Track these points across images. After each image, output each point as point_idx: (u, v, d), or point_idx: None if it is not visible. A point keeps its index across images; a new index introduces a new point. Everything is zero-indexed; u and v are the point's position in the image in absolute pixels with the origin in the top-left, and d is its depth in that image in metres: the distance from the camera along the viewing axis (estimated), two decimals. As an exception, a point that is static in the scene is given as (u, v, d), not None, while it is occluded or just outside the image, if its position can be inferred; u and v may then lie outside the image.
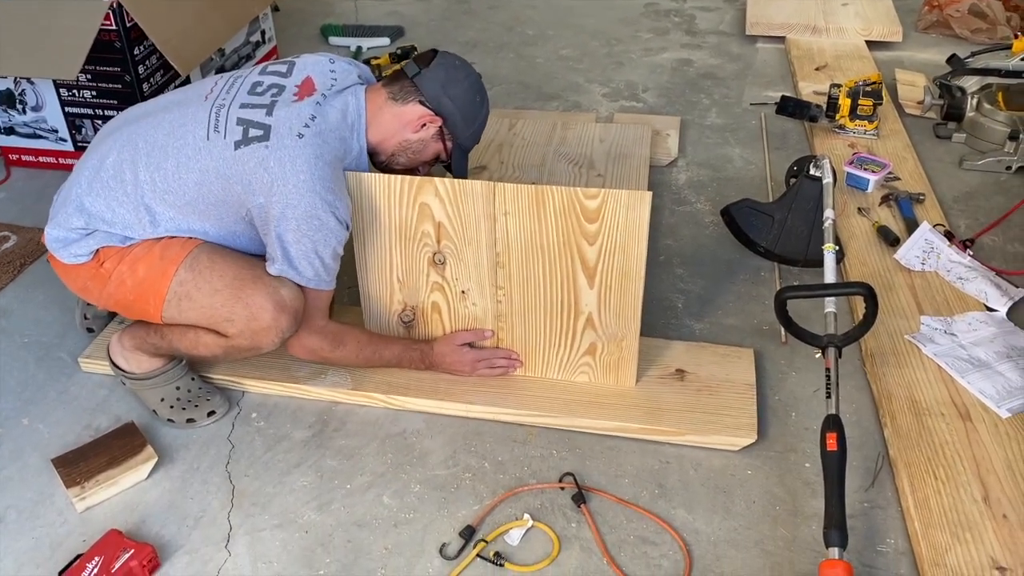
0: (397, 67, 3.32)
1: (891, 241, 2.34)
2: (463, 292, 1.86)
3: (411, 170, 1.89)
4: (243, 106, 1.70)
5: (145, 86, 2.72)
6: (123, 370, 1.88)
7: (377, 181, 1.74)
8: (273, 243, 1.67)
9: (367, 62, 3.45)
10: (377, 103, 1.80)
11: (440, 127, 1.82)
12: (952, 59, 2.96)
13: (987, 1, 3.69)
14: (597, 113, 3.16)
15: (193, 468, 1.80)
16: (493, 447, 1.82)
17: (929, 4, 3.77)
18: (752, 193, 2.68)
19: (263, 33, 3.42)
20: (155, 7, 2.60)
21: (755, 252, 2.36)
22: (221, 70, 3.11)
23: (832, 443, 1.51)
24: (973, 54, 2.96)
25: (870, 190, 2.59)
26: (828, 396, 1.62)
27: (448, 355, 1.89)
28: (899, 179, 2.65)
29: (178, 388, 1.89)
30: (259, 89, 1.75)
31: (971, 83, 2.87)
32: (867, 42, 3.59)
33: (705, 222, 2.56)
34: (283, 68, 1.81)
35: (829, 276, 1.78)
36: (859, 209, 2.50)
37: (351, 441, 1.85)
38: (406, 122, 1.80)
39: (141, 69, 2.68)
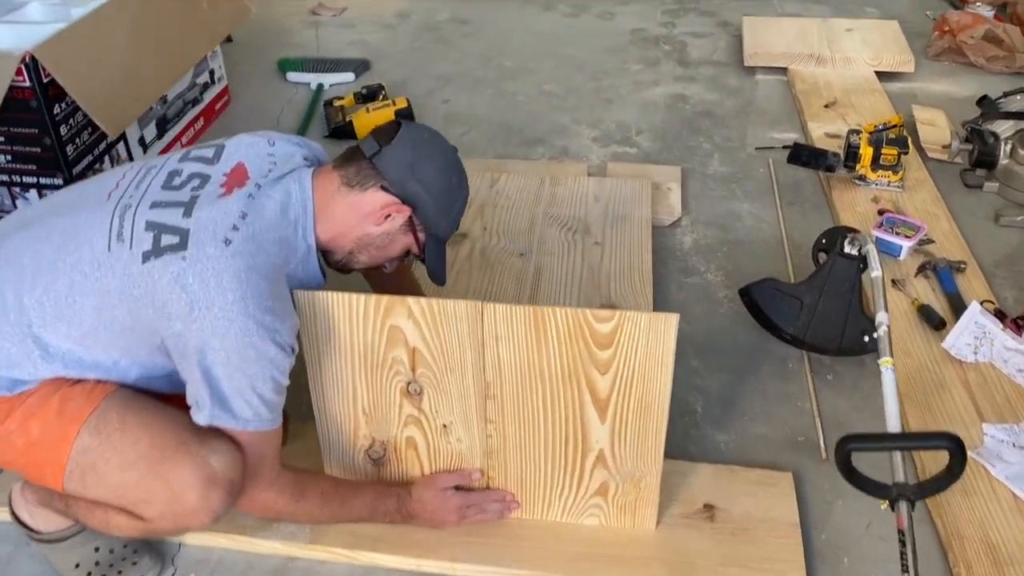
0: (364, 113, 3.00)
1: (936, 325, 2.03)
2: (444, 426, 1.52)
3: (376, 266, 1.54)
4: (155, 205, 1.35)
5: (69, 148, 2.34)
6: (28, 527, 1.51)
7: (335, 301, 1.40)
8: (198, 382, 1.31)
9: (329, 103, 3.09)
10: (328, 190, 1.43)
11: (409, 217, 1.46)
12: (983, 101, 2.67)
13: (1003, 26, 3.41)
14: (588, 163, 2.83)
15: (113, 657, 1.44)
16: (486, 617, 1.49)
17: (940, 29, 3.49)
18: (768, 259, 2.37)
19: (212, 73, 3.06)
20: (77, 59, 2.23)
21: (780, 338, 2.05)
22: (162, 121, 2.74)
23: (920, 643, 1.19)
24: (1006, 94, 2.67)
25: (903, 257, 2.28)
26: (904, 570, 1.30)
27: (430, 502, 1.54)
28: (933, 241, 2.34)
29: (97, 550, 1.53)
30: (176, 181, 1.39)
31: (1005, 128, 2.58)
32: (876, 72, 3.29)
33: (718, 297, 2.24)
34: (209, 153, 1.46)
35: (890, 404, 1.47)
36: (894, 281, 2.20)
37: (311, 613, 1.50)
38: (366, 213, 1.43)
39: (64, 130, 2.30)
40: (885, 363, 1.53)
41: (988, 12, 3.56)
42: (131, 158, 2.58)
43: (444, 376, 1.45)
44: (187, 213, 1.33)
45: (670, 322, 1.34)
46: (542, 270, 2.22)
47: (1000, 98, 2.66)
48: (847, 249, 1.93)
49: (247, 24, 3.83)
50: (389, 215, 1.44)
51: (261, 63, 3.56)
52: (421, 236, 1.49)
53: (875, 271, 1.68)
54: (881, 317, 1.60)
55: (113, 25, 2.39)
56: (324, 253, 1.49)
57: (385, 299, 1.39)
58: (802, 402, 1.92)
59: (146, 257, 1.30)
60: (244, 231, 1.32)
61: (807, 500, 1.68)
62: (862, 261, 1.94)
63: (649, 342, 1.36)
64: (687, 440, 1.82)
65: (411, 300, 1.39)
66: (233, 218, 1.32)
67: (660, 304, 2.19)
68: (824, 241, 2.07)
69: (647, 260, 2.24)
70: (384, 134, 1.45)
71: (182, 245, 1.29)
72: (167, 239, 1.31)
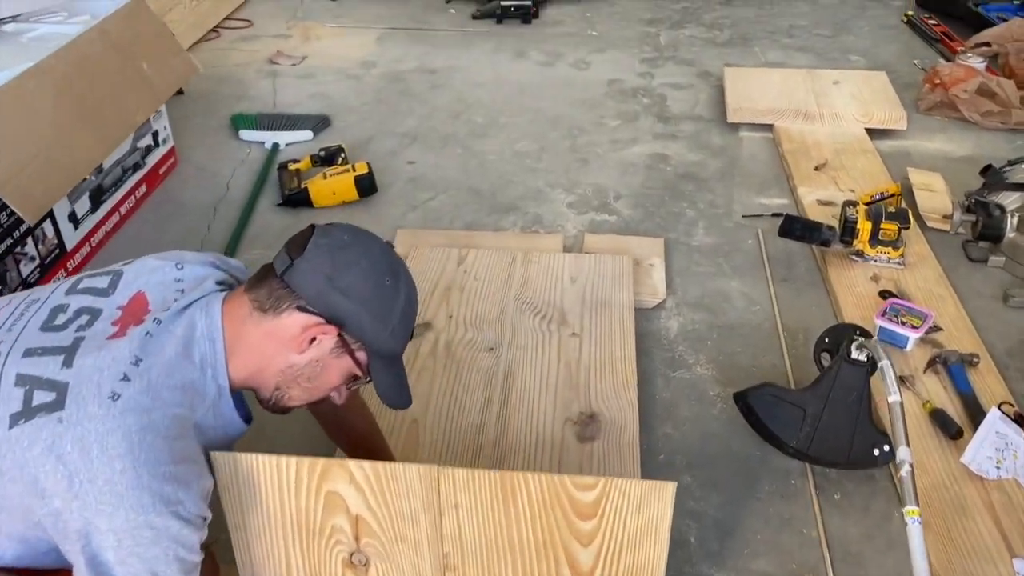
0: (320, 179, 2.76)
1: (952, 434, 1.83)
2: (398, 597, 1.28)
3: (319, 401, 1.31)
4: (28, 353, 1.11)
5: (-18, 233, 2.09)
6: None
7: (260, 466, 1.16)
8: (83, 570, 1.06)
9: (283, 167, 2.86)
10: (239, 318, 1.20)
11: (339, 336, 1.21)
12: (987, 171, 2.49)
13: (997, 79, 3.26)
14: (564, 233, 2.62)
15: None
16: None
17: (931, 82, 3.33)
18: (762, 348, 2.16)
19: (155, 135, 2.82)
20: (-12, 135, 1.99)
21: (780, 450, 1.83)
22: (97, 192, 2.49)
23: None
24: (1011, 163, 2.49)
25: (909, 348, 2.08)
26: None
27: None
28: (940, 329, 2.15)
29: None
30: (59, 320, 1.16)
31: (1012, 200, 2.40)
32: (867, 129, 3.12)
33: (710, 396, 2.03)
34: (103, 283, 1.23)
35: (919, 564, 1.25)
36: (901, 378, 1.99)
37: None
38: (285, 340, 1.20)
39: (-25, 213, 2.06)
40: (911, 513, 1.31)
41: (980, 64, 3.41)
42: (59, 238, 2.33)
43: (394, 547, 1.22)
44: (67, 362, 1.09)
45: (665, 492, 1.12)
46: (514, 369, 1.99)
47: (1005, 167, 2.48)
48: (854, 355, 1.73)
49: (200, 74, 3.61)
50: (313, 338, 1.20)
51: (214, 118, 3.33)
52: (361, 356, 1.24)
53: (892, 395, 1.47)
54: (904, 454, 1.38)
55: (34, 95, 2.15)
56: (251, 392, 1.25)
57: (321, 463, 1.16)
58: (807, 528, 1.70)
59: (14, 421, 1.06)
60: (137, 382, 1.08)
61: (820, 658, 1.46)
62: (871, 367, 1.74)
63: (641, 513, 1.13)
64: (680, 580, 1.60)
65: (352, 464, 1.15)
66: (123, 366, 1.09)
67: (647, 405, 1.97)
68: (828, 341, 1.87)
69: (630, 354, 2.02)
70: (295, 245, 1.23)
71: (58, 404, 1.06)
72: (40, 397, 1.07)
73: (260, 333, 1.19)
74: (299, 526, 1.22)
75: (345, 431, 1.62)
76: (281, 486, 1.18)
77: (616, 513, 1.14)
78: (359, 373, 1.27)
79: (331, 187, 2.72)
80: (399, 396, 1.31)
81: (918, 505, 1.32)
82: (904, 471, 1.36)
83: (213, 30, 4.15)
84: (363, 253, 1.22)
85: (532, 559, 1.20)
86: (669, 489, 1.11)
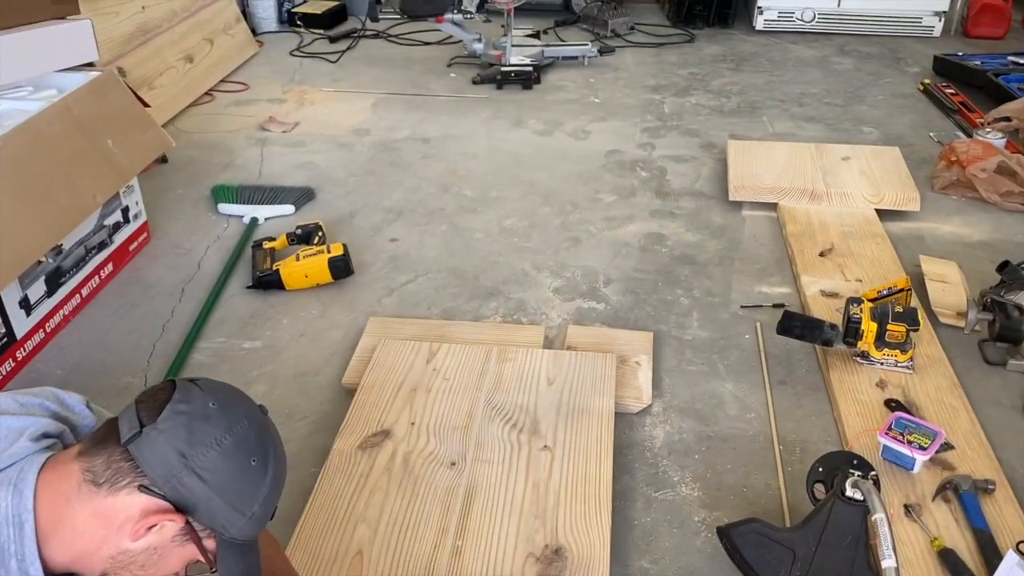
0: (292, 261, 2.60)
1: (964, 581, 1.62)
2: None
3: None
4: None
5: (-84, 326, 1.96)
6: None
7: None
8: None
9: (258, 245, 2.73)
10: (63, 492, 1.01)
11: (186, 523, 1.04)
12: (1005, 267, 2.30)
13: (1017, 156, 3.08)
14: (547, 324, 2.44)
15: None
16: None
17: (947, 160, 3.15)
18: (754, 464, 1.97)
19: (125, 211, 2.70)
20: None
21: (768, 594, 1.63)
22: (55, 275, 2.36)
23: None
24: (1030, 260, 2.30)
25: (917, 470, 1.87)
26: None
27: None
28: (952, 447, 1.94)
29: None
30: None
31: (1032, 300, 2.21)
32: (877, 210, 2.94)
33: (694, 522, 1.83)
34: None
35: None
36: (907, 508, 1.78)
37: None
38: (118, 524, 1.02)
39: (-92, 305, 1.93)
40: None
41: (999, 140, 3.23)
42: (8, 327, 2.20)
43: None
44: None
45: None
46: (476, 489, 1.81)
47: (1023, 263, 2.29)
48: (849, 492, 1.53)
49: (187, 141, 3.53)
50: (152, 526, 1.02)
51: (196, 188, 3.21)
52: (209, 544, 1.07)
53: (887, 559, 1.27)
54: (888, 563, 1.18)
55: (-22, 180, 2.04)
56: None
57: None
58: None
59: None
60: None
61: None
62: (868, 504, 1.54)
63: None
64: None
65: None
66: None
67: (622, 532, 1.78)
68: (821, 470, 1.68)
69: (606, 476, 1.84)
70: (148, 407, 1.04)
71: None
72: None
73: (88, 512, 1.02)
74: None
75: None
76: None
77: None
78: (204, 560, 1.09)
79: (304, 269, 2.57)
80: None
81: None
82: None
83: (207, 93, 4.08)
84: (229, 427, 1.04)
85: None
86: None
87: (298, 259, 2.60)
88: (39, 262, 2.28)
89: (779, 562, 1.59)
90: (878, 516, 1.34)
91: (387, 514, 1.75)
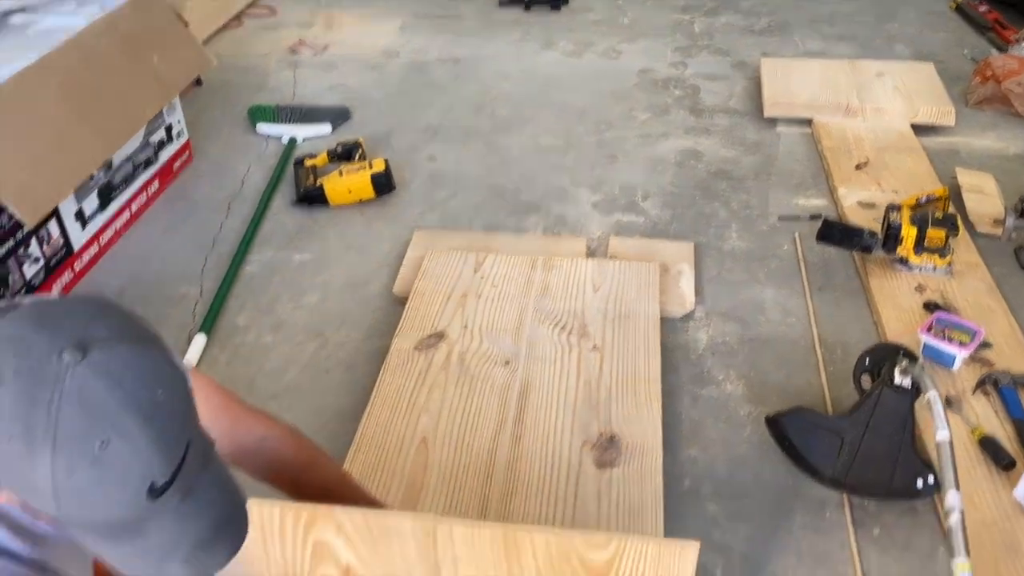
0: (336, 176, 2.65)
1: (1004, 464, 1.69)
2: (394, 649, 1.19)
3: None
4: None
5: (-17, 235, 2.02)
6: None
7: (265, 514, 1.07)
8: None
9: (299, 163, 2.77)
10: None
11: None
12: (1045, 174, 2.32)
13: (1053, 72, 3.06)
14: (588, 236, 2.49)
15: None
16: None
17: (982, 75, 3.14)
18: (796, 364, 2.03)
19: (169, 129, 2.74)
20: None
21: (814, 478, 1.70)
22: (107, 189, 2.42)
23: None
24: (1070, 165, 2.32)
25: (956, 367, 1.93)
26: None
27: None
28: (991, 345, 2.00)
29: None
30: None
31: (1070, 205, 2.23)
32: (912, 125, 2.95)
33: (739, 416, 1.90)
34: None
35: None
36: (948, 401, 1.85)
37: None
38: None
39: (-25, 214, 1.99)
40: (961, 567, 1.18)
41: (1035, 55, 3.21)
42: (66, 239, 2.26)
43: (389, 598, 1.12)
44: None
45: (687, 553, 1.00)
46: (530, 385, 1.88)
47: (1063, 169, 2.31)
48: (898, 380, 1.59)
49: (220, 65, 3.53)
50: None
51: (232, 110, 3.24)
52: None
53: (941, 431, 1.34)
54: (953, 499, 1.26)
55: (37, 91, 2.08)
56: None
57: (307, 511, 1.06)
58: (843, 566, 1.58)
59: None
60: None
61: None
62: (916, 392, 1.60)
63: (660, 575, 1.02)
64: (704, 621, 1.49)
65: (341, 512, 1.05)
66: None
67: (671, 425, 1.85)
68: (869, 362, 1.74)
69: (655, 372, 1.91)
70: None
71: None
72: None
73: None
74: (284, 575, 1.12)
75: (306, 491, 1.22)
76: (265, 533, 1.08)
77: (631, 573, 1.02)
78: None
79: (347, 185, 2.62)
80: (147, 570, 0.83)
81: (969, 557, 1.19)
82: (954, 519, 1.23)
83: (235, 18, 4.06)
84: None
85: (538, 616, 1.09)
86: (691, 550, 1.00)
87: (341, 175, 2.64)
88: (91, 176, 2.33)
89: (827, 447, 1.67)
90: (931, 394, 1.40)
91: (447, 407, 1.83)
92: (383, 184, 2.64)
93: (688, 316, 2.18)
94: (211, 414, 1.13)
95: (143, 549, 0.80)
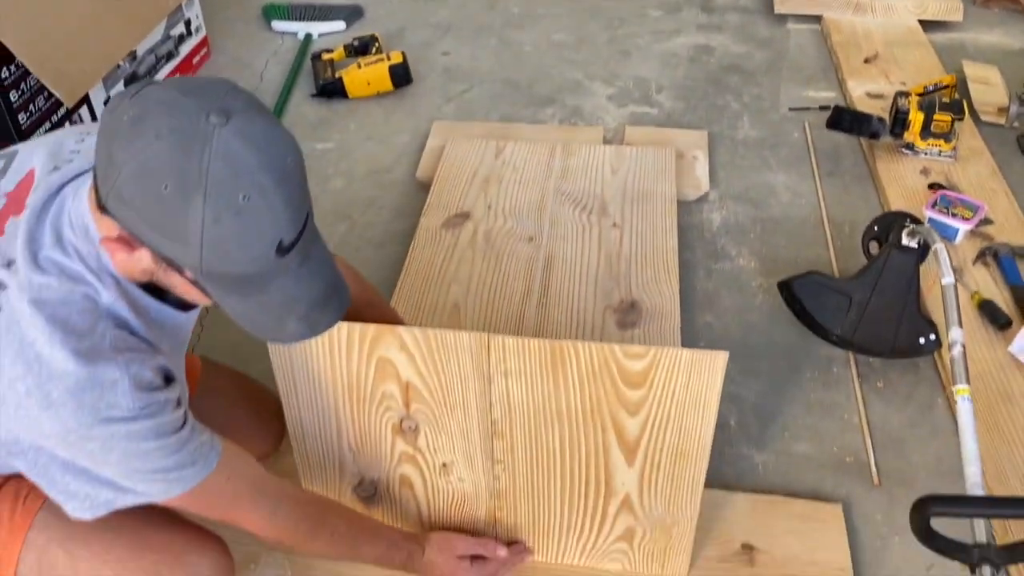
0: (355, 69, 2.71)
1: (1001, 324, 1.80)
2: (444, 465, 1.30)
3: None
4: None
5: (22, 116, 2.08)
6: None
7: (313, 359, 1.16)
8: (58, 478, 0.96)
9: (317, 57, 2.80)
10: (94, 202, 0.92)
11: (154, 254, 0.90)
12: (1050, 60, 2.38)
13: (1061, -32, 3.09)
14: (604, 127, 2.56)
15: None
16: None
17: (991, -28, 3.16)
18: (806, 241, 2.13)
19: (188, 23, 2.76)
20: (24, 17, 1.95)
21: (824, 339, 1.81)
22: (132, 79, 2.46)
23: None
24: (1075, 52, 2.38)
25: (959, 241, 2.03)
26: (990, 656, 1.09)
27: (441, 566, 1.31)
28: (992, 222, 2.09)
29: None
30: None
31: (1073, 90, 2.30)
32: (920, 21, 2.99)
33: (751, 287, 2.00)
34: None
35: (969, 443, 1.24)
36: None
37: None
38: (108, 251, 0.93)
39: (14, 96, 2.05)
40: (961, 392, 1.30)
41: (1044, -48, 3.22)
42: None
43: (443, 413, 1.23)
44: None
45: (717, 363, 1.11)
46: (553, 258, 1.97)
47: (1069, 56, 2.37)
48: (905, 241, 1.69)
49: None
50: (126, 253, 0.90)
51: (246, 8, 3.25)
52: (187, 275, 0.91)
53: (946, 276, 1.44)
54: (956, 334, 1.36)
55: (67, -26, 2.11)
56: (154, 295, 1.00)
57: (372, 329, 1.16)
58: (850, 414, 1.70)
59: None
60: (13, 284, 0.92)
61: (858, 535, 1.48)
62: (921, 254, 1.70)
63: (690, 383, 1.13)
64: (721, 460, 1.61)
65: (403, 330, 1.15)
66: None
67: (688, 295, 1.95)
68: (877, 229, 1.83)
69: (672, 245, 2.00)
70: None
71: None
72: None
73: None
74: (349, 391, 1.23)
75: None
76: (332, 350, 1.19)
77: (665, 383, 1.13)
78: (200, 299, 0.98)
79: (365, 77, 2.67)
80: (263, 326, 0.96)
81: (969, 383, 1.31)
82: (956, 351, 1.34)
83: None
84: (145, 146, 0.83)
85: (579, 427, 1.20)
86: (720, 359, 1.11)
87: (359, 67, 2.68)
88: (118, 65, 2.38)
89: (836, 308, 1.77)
90: (938, 246, 1.50)
91: (476, 278, 1.93)
92: (401, 76, 2.68)
93: (702, 199, 2.27)
94: None
95: (266, 305, 0.92)
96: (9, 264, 0.94)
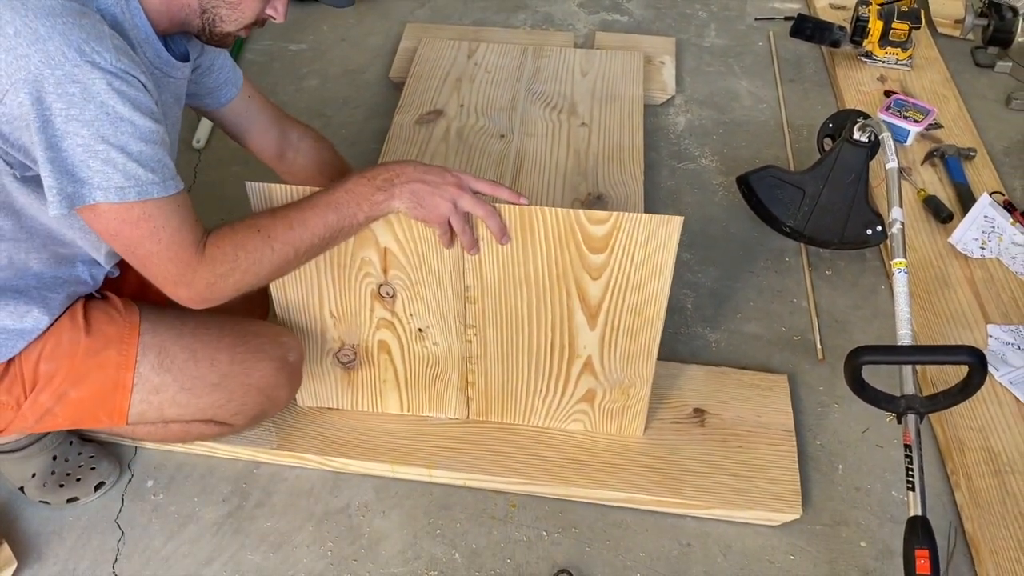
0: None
1: (943, 218, 1.92)
2: (420, 330, 1.40)
3: (257, 22, 1.22)
4: None
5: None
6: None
7: (293, 194, 1.23)
8: (41, 152, 0.99)
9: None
10: None
11: None
12: (1004, -27, 2.45)
13: None
14: (575, 32, 2.60)
15: (69, 570, 1.36)
16: (465, 528, 1.41)
17: None
18: (766, 143, 2.22)
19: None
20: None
21: (778, 231, 1.92)
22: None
23: (924, 566, 1.13)
24: (1029, -36, 2.45)
25: (910, 142, 2.14)
26: (909, 487, 1.23)
27: (418, 177, 1.17)
28: (941, 126, 2.20)
29: (55, 458, 1.42)
30: None
31: (1025, 2, 2.39)
32: (887, -64, 3.03)
33: (712, 185, 2.10)
34: None
35: (902, 308, 1.36)
36: (900, 170, 2.05)
37: (279, 523, 1.42)
38: None
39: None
40: (898, 264, 1.41)
41: None
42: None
43: (419, 279, 1.32)
44: None
45: (673, 226, 1.20)
46: (524, 154, 2.05)
47: (1023, -33, 2.45)
48: (857, 136, 1.78)
49: None
50: None
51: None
52: None
53: (890, 162, 1.54)
54: (896, 213, 1.47)
55: None
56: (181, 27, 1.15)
57: (352, 193, 1.23)
58: (799, 299, 1.82)
59: None
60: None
61: (802, 404, 1.61)
62: (871, 149, 1.80)
63: (648, 247, 1.22)
64: (676, 340, 1.73)
65: (382, 195, 1.22)
66: None
67: (651, 192, 2.04)
68: (831, 126, 1.92)
69: (638, 144, 2.08)
70: None
71: None
72: None
73: None
74: (330, 259, 1.31)
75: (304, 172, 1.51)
76: (314, 216, 1.26)
77: (626, 246, 1.23)
78: None
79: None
80: None
81: (905, 257, 1.42)
82: (896, 228, 1.45)
83: None
84: None
85: (546, 292, 1.30)
86: (676, 223, 1.20)
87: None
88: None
89: (790, 200, 1.87)
90: (884, 135, 1.59)
91: (449, 171, 1.99)
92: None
93: (668, 103, 2.34)
94: (261, 101, 1.36)
95: None
96: None
